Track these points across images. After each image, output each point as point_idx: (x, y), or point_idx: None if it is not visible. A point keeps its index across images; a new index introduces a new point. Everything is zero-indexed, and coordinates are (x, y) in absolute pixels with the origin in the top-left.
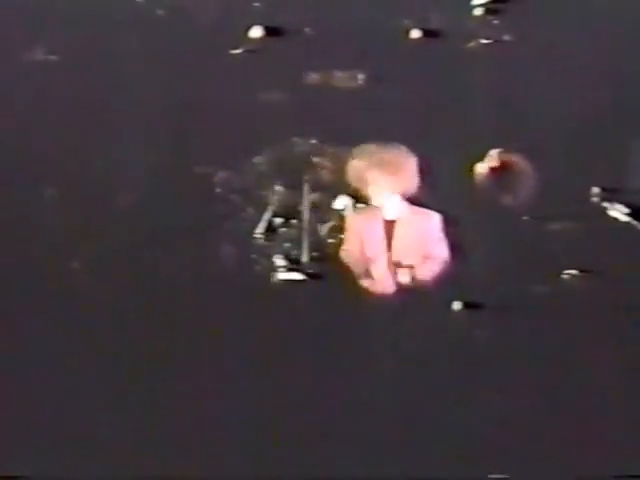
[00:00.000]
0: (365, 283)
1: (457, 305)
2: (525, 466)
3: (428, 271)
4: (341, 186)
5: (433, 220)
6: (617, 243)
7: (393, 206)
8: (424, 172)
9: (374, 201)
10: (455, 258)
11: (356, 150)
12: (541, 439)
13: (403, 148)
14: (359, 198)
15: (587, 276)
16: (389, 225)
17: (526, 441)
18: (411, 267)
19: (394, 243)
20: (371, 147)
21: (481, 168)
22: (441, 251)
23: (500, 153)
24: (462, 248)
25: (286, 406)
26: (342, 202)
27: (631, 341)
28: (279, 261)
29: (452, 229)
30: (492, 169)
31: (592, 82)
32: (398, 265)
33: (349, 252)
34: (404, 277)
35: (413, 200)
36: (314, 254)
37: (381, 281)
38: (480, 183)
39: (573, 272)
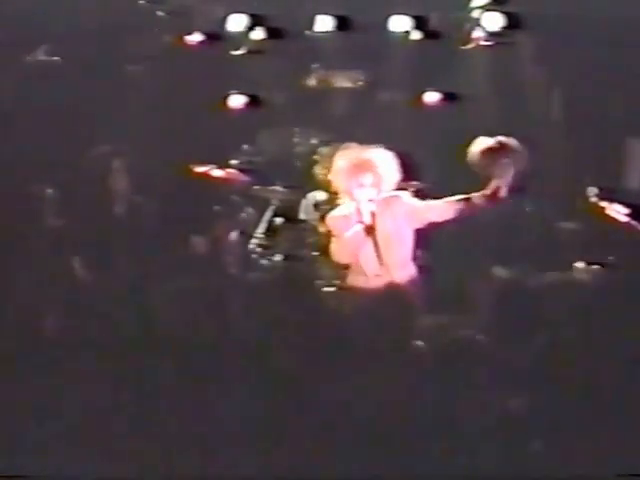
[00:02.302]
0: (358, 280)
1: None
2: (525, 464)
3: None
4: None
5: (404, 201)
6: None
7: (372, 204)
8: (407, 171)
9: (353, 200)
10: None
11: (338, 151)
12: (542, 437)
13: (384, 149)
14: (338, 197)
15: (590, 270)
16: (370, 222)
17: (526, 439)
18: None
19: (378, 238)
20: (352, 147)
21: (477, 146)
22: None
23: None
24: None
25: (287, 404)
26: (314, 197)
27: (630, 340)
28: (279, 260)
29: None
30: (486, 150)
31: (591, 82)
32: (386, 259)
33: (337, 252)
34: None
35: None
36: (314, 253)
37: (373, 277)
38: (475, 164)
39: (577, 265)
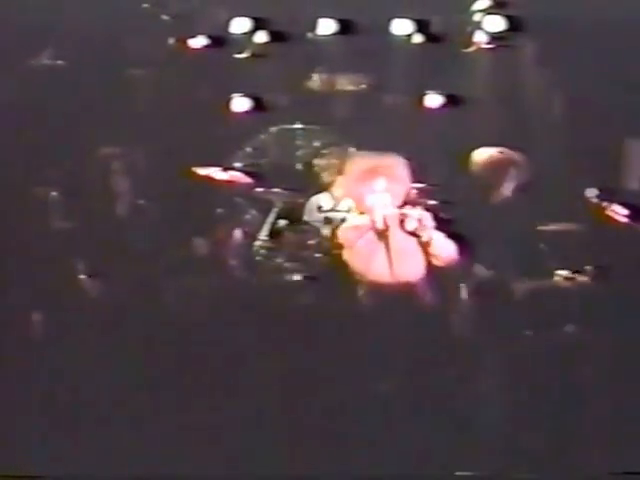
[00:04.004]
0: (372, 289)
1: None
2: (523, 463)
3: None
4: (341, 190)
5: (423, 219)
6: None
7: (385, 213)
8: (416, 177)
9: (366, 209)
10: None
11: (350, 158)
12: (538, 436)
13: (396, 155)
14: (352, 206)
15: (582, 277)
16: (383, 232)
17: (525, 437)
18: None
19: (392, 249)
20: (364, 155)
21: (478, 156)
22: (442, 248)
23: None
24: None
25: (287, 405)
26: (345, 205)
27: (628, 340)
28: (283, 263)
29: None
30: (488, 161)
31: (592, 84)
32: (400, 270)
33: (351, 262)
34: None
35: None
36: (315, 255)
37: (384, 284)
38: (477, 173)
39: (567, 273)
